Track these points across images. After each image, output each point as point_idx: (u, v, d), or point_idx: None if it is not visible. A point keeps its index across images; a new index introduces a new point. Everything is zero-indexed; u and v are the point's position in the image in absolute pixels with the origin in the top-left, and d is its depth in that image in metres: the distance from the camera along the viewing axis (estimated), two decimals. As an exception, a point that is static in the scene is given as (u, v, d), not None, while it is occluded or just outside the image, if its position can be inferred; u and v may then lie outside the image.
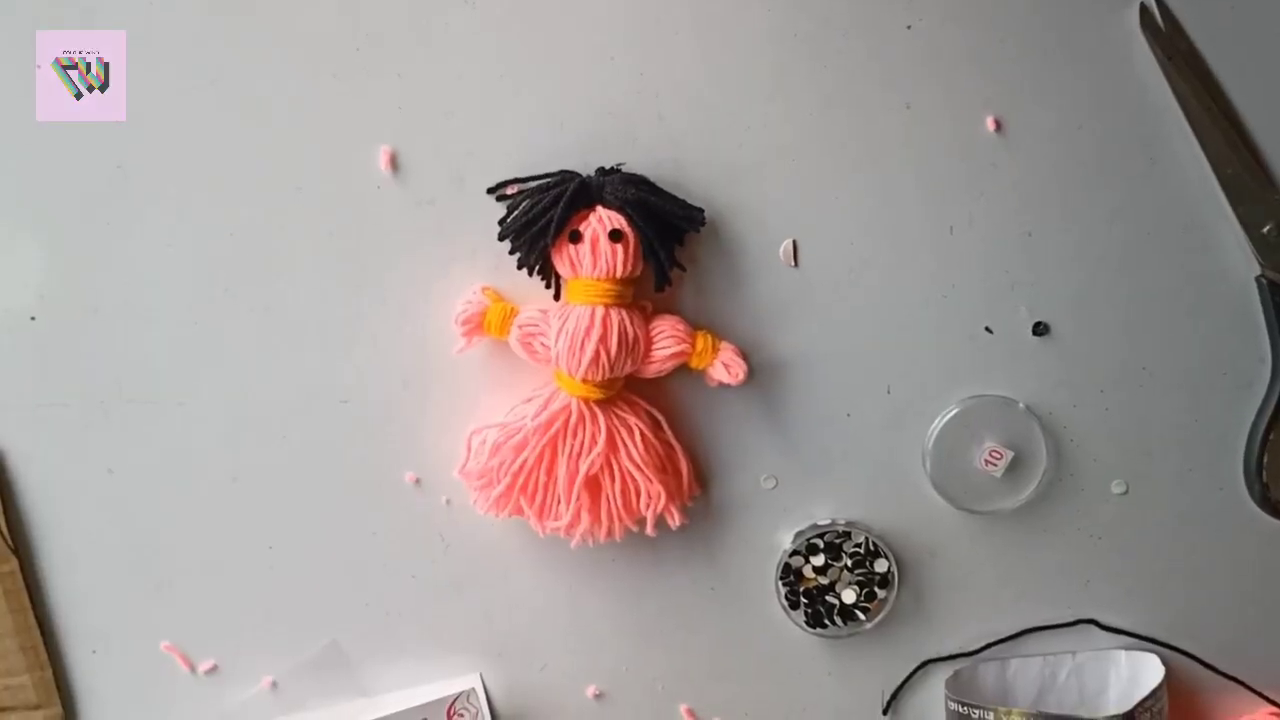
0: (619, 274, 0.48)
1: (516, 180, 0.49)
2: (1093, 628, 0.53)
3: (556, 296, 0.50)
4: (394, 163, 0.50)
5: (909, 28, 0.50)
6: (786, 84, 0.50)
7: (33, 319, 0.50)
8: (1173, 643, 0.53)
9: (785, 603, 0.53)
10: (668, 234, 0.49)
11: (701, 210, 0.49)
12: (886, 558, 0.52)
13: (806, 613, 0.53)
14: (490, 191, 0.50)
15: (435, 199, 0.50)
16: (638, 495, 0.50)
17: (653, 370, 0.50)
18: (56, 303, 0.50)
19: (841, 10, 0.50)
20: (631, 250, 0.48)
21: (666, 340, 0.49)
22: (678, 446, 0.51)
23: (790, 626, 0.53)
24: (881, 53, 0.50)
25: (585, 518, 0.50)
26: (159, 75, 0.49)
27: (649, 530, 0.51)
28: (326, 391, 0.51)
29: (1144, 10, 0.50)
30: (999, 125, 0.51)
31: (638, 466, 0.49)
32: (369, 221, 0.50)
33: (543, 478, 0.50)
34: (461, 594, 0.52)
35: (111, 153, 0.49)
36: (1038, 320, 0.52)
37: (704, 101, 0.50)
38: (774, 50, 0.50)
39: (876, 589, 0.52)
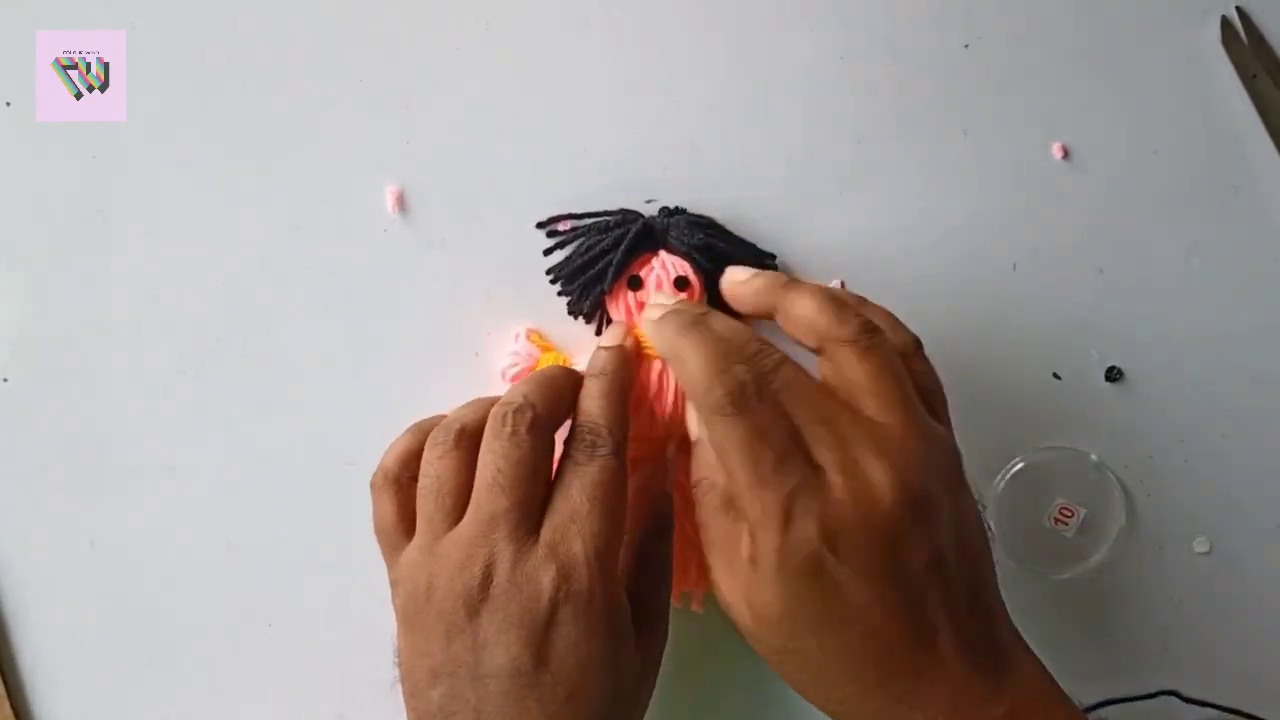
0: (682, 325, 0.44)
1: (571, 215, 0.47)
2: (1174, 700, 0.51)
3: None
4: (401, 202, 0.47)
5: (966, 46, 0.48)
6: (831, 110, 0.48)
7: (5, 380, 0.48)
8: (1263, 716, 0.51)
9: (837, 678, 0.49)
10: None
11: (774, 256, 0.47)
12: (947, 627, 0.49)
13: (860, 688, 0.49)
14: (540, 226, 0.47)
15: (447, 242, 0.48)
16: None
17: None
18: (31, 360, 0.48)
19: (892, 29, 0.48)
20: (696, 299, 0.45)
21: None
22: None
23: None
24: (936, 74, 0.48)
25: None
26: (158, 77, 0.47)
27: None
28: (330, 453, 0.48)
29: (1225, 24, 0.48)
30: (1066, 152, 0.49)
31: None
32: (375, 266, 0.48)
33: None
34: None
35: (90, 194, 0.47)
36: (1110, 365, 0.50)
37: (742, 130, 0.48)
38: (818, 74, 0.48)
39: (938, 662, 0.49)
